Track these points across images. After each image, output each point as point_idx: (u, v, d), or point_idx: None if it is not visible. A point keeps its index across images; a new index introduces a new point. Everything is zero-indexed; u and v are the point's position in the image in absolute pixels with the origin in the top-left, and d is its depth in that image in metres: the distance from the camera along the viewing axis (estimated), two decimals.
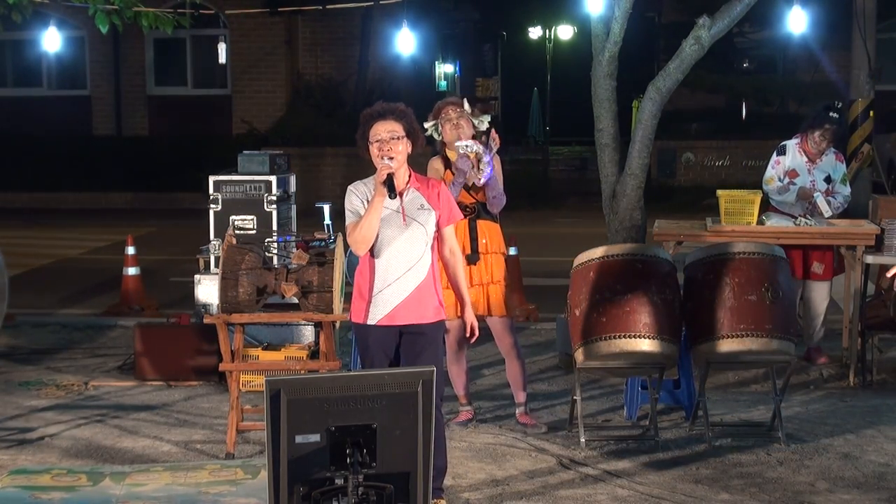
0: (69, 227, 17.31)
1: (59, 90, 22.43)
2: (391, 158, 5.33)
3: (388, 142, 5.36)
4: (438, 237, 5.57)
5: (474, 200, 6.86)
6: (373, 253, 5.43)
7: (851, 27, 15.57)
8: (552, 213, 18.02)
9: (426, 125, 6.93)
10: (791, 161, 8.40)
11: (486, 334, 8.68)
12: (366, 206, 5.40)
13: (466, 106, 6.91)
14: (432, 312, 5.51)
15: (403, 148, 5.40)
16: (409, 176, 5.49)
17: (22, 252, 13.52)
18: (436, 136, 6.93)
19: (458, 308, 6.68)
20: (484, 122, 6.94)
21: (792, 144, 8.44)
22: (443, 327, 5.66)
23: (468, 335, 5.67)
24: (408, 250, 5.42)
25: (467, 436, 6.77)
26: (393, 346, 5.51)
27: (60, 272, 13.24)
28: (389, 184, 5.28)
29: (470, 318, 5.64)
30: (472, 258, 6.82)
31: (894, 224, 7.92)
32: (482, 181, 6.74)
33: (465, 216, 6.84)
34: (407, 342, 5.50)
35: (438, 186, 5.57)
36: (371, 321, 5.45)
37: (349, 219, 5.44)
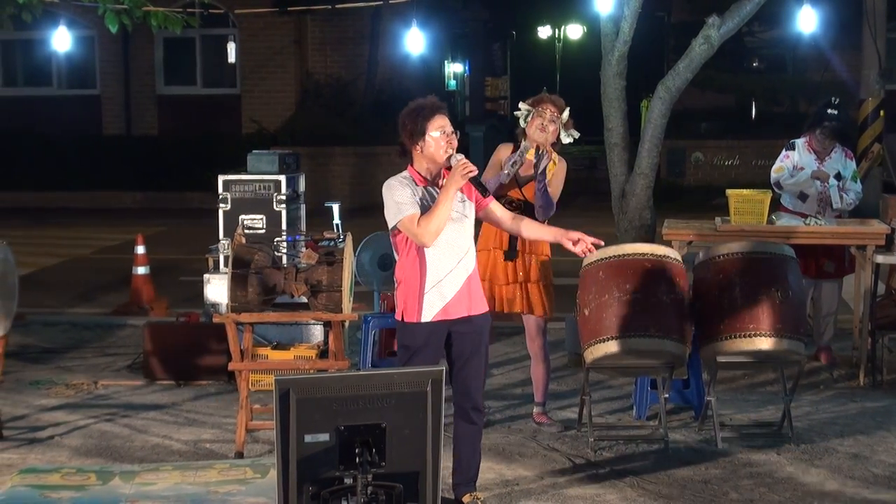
0: (79, 227, 17.35)
1: (69, 90, 22.47)
2: (453, 152, 5.36)
3: (452, 135, 5.38)
4: (492, 216, 5.61)
5: (522, 198, 6.77)
6: (422, 249, 5.39)
7: (862, 26, 15.54)
8: (561, 212, 17.91)
9: (522, 105, 6.85)
10: (799, 158, 8.37)
11: (493, 333, 8.68)
12: (417, 197, 5.36)
13: (565, 115, 6.79)
14: (481, 303, 5.53)
15: (455, 143, 5.43)
16: (442, 170, 5.47)
17: (32, 251, 13.55)
18: (522, 121, 6.82)
19: (489, 303, 6.70)
20: (570, 137, 6.83)
21: (800, 142, 8.43)
22: (489, 318, 5.63)
23: (585, 245, 5.52)
24: (457, 242, 5.41)
25: None
26: (443, 344, 5.48)
27: (70, 271, 13.27)
28: (479, 183, 5.35)
29: (577, 234, 5.54)
30: (510, 255, 6.77)
31: None
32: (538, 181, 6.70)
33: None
34: (457, 342, 5.48)
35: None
36: (425, 318, 5.40)
37: (407, 210, 5.32)
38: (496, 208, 5.65)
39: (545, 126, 6.74)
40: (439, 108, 5.42)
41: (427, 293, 5.40)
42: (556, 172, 6.80)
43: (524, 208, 6.75)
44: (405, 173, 5.47)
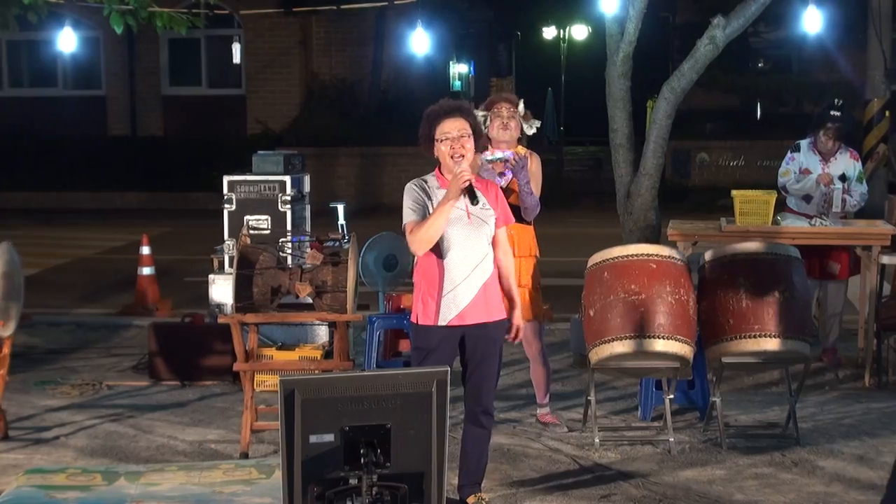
0: (84, 227, 17.37)
1: (75, 90, 22.48)
2: (462, 157, 5.33)
3: (459, 139, 5.35)
4: (495, 241, 5.57)
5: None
6: (440, 254, 5.40)
7: (867, 27, 15.54)
8: (566, 213, 18.00)
9: (477, 113, 6.84)
10: (805, 159, 8.39)
11: None
12: (426, 204, 5.38)
13: (521, 107, 6.78)
14: (497, 310, 5.51)
15: (471, 146, 5.39)
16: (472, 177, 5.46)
17: (37, 252, 13.57)
18: (482, 128, 6.84)
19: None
20: (533, 127, 6.82)
21: (805, 143, 8.44)
22: (505, 324, 5.62)
23: (512, 336, 5.61)
24: (474, 249, 5.41)
25: None
26: (457, 347, 5.49)
27: (76, 272, 13.28)
28: (471, 192, 5.28)
29: (518, 321, 5.61)
30: None
31: None
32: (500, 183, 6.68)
33: None
34: (470, 346, 5.48)
35: (495, 188, 5.59)
36: (442, 322, 5.41)
37: (409, 216, 5.38)
38: (501, 234, 5.60)
39: (506, 124, 6.72)
40: (448, 111, 5.40)
41: (444, 297, 5.41)
42: (532, 168, 6.77)
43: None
44: (429, 175, 5.51)
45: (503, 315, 5.55)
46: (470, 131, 5.39)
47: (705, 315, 6.65)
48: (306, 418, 3.79)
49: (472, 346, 5.48)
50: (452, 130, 5.36)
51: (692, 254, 7.86)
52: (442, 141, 5.36)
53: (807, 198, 8.40)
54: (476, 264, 5.42)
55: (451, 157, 5.34)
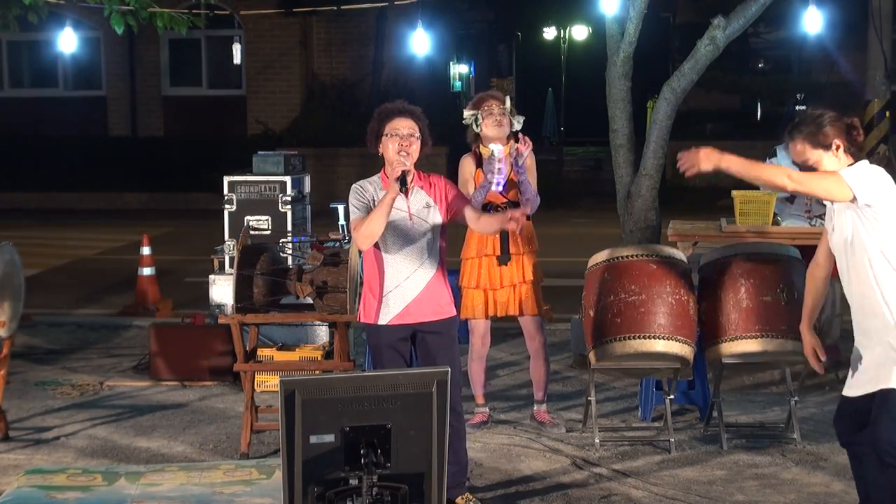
0: (85, 228, 17.37)
1: (75, 91, 22.49)
2: (407, 154, 5.36)
3: (407, 138, 5.39)
4: (465, 218, 5.53)
5: (505, 200, 6.79)
6: (381, 254, 5.46)
7: (867, 27, 15.53)
8: (566, 213, 18.00)
9: (466, 113, 6.84)
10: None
11: (498, 335, 8.70)
12: (371, 203, 5.42)
13: (508, 103, 6.82)
14: (444, 308, 5.55)
15: (416, 148, 5.43)
16: (413, 175, 5.51)
17: (38, 252, 13.57)
18: (475, 127, 6.82)
19: (485, 308, 6.72)
20: (520, 123, 6.86)
21: (782, 148, 8.40)
22: (456, 322, 5.67)
23: (511, 222, 5.30)
24: (416, 249, 5.46)
25: (482, 436, 6.78)
26: (407, 346, 5.54)
27: (76, 272, 13.28)
28: (402, 179, 5.30)
29: (513, 213, 5.32)
30: (503, 259, 6.78)
31: None
32: (496, 188, 6.68)
33: None
34: (421, 341, 5.54)
35: (439, 181, 5.61)
36: (382, 321, 5.47)
37: (354, 214, 5.47)
38: (468, 210, 5.60)
39: (499, 121, 6.75)
40: (401, 111, 5.46)
41: (385, 297, 5.47)
42: (528, 163, 6.79)
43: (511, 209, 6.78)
44: (374, 176, 5.57)
45: (452, 313, 5.60)
46: (419, 134, 5.44)
47: (705, 315, 6.65)
48: (307, 419, 3.80)
49: (424, 343, 5.53)
50: (402, 129, 5.41)
51: (692, 254, 7.86)
52: (391, 136, 5.41)
53: (790, 198, 8.38)
54: (419, 265, 5.47)
55: (398, 154, 5.37)
